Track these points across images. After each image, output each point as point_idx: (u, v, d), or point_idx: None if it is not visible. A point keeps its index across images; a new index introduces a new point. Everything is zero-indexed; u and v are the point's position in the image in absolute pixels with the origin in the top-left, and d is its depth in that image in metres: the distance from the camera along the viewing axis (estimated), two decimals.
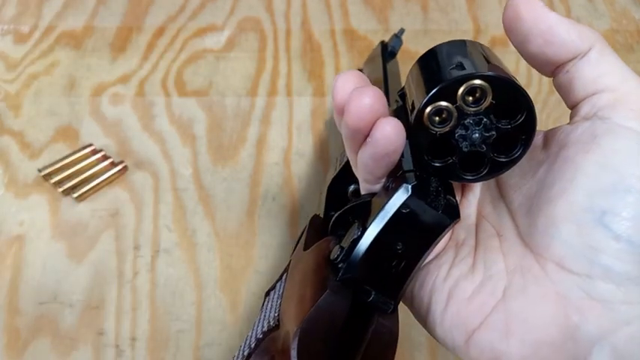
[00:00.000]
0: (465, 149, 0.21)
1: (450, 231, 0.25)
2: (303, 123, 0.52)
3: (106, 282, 0.42)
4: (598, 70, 0.20)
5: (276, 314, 0.24)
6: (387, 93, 0.39)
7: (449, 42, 0.23)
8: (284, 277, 0.27)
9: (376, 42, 0.57)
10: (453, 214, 0.22)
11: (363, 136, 0.22)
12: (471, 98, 0.21)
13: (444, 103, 0.21)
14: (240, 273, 0.43)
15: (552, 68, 0.22)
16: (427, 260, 0.25)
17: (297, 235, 0.30)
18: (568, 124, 0.22)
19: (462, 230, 0.25)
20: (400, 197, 0.21)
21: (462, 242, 0.24)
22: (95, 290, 0.42)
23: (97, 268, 0.43)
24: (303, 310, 0.20)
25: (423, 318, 0.24)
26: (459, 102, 0.20)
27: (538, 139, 0.23)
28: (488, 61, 0.21)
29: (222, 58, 0.56)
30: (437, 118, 0.21)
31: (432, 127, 0.21)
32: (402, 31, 0.48)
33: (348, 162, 0.34)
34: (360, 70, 0.49)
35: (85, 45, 0.57)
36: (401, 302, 0.25)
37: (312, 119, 0.52)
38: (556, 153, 0.21)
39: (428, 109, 0.21)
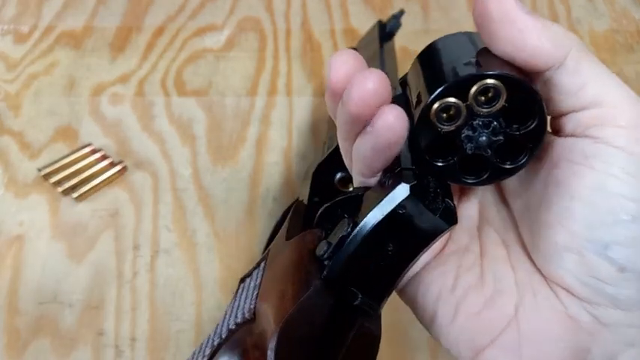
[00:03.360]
0: (469, 151, 0.20)
1: (449, 234, 0.24)
2: (303, 123, 0.52)
3: (106, 282, 0.42)
4: (578, 82, 0.19)
5: (252, 306, 0.23)
6: None
7: (464, 33, 0.22)
8: (262, 266, 0.26)
9: None
10: (450, 219, 0.21)
11: (363, 124, 0.20)
12: (483, 98, 0.19)
13: (454, 100, 0.19)
14: (240, 273, 0.43)
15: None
16: (429, 265, 0.24)
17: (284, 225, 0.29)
18: (558, 136, 0.21)
19: (463, 234, 0.24)
20: (398, 196, 0.20)
21: (465, 247, 0.23)
22: (95, 290, 0.42)
23: (96, 268, 0.43)
24: (283, 308, 0.19)
25: (427, 325, 0.23)
26: (470, 101, 0.19)
27: None
28: (504, 61, 0.20)
29: (221, 58, 0.56)
30: (444, 115, 0.20)
31: (438, 124, 0.20)
32: (401, 12, 0.45)
33: (337, 147, 0.32)
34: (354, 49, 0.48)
35: (85, 45, 0.57)
36: (402, 301, 0.25)
37: (312, 119, 0.52)
38: (549, 169, 0.20)
39: (436, 105, 0.19)
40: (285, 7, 0.62)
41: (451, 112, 0.20)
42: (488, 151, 0.20)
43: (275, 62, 0.56)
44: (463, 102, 0.19)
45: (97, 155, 0.48)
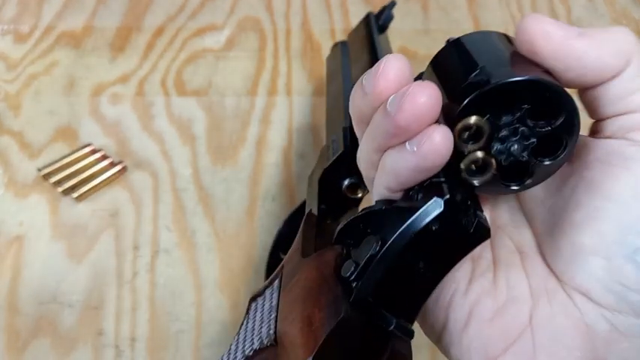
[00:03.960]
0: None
1: None
2: (303, 123, 0.52)
3: (106, 282, 0.42)
4: (630, 88, 0.18)
5: (271, 332, 0.21)
6: None
7: (467, 37, 0.20)
8: (275, 285, 0.24)
9: None
10: (484, 233, 0.20)
11: (405, 138, 0.19)
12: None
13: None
14: (240, 273, 0.43)
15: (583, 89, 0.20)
16: None
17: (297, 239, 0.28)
18: (593, 137, 0.20)
19: None
20: (431, 212, 0.18)
21: (478, 254, 0.23)
22: (95, 290, 0.42)
23: (96, 268, 0.43)
24: (313, 336, 0.18)
25: (437, 335, 0.22)
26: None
27: None
28: (513, 59, 0.18)
29: (221, 58, 0.56)
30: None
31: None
32: (392, 3, 0.44)
33: (344, 152, 0.31)
34: (344, 43, 0.46)
35: (85, 45, 0.57)
36: None
37: (312, 119, 0.52)
38: (580, 170, 0.19)
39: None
40: (285, 7, 0.61)
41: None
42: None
43: (275, 62, 0.56)
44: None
45: (97, 155, 0.48)
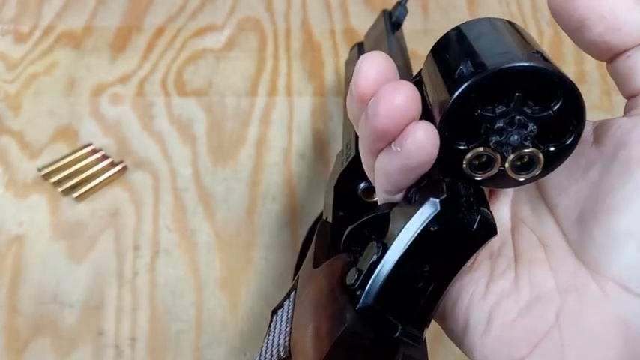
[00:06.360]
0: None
1: None
2: (303, 123, 0.52)
3: (106, 282, 0.42)
4: None
5: (286, 343, 0.21)
6: None
7: (456, 28, 0.20)
8: (292, 297, 0.24)
9: None
10: (488, 230, 0.19)
11: (389, 140, 0.18)
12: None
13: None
14: (240, 273, 0.43)
15: (613, 55, 0.18)
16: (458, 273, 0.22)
17: (299, 237, 0.28)
18: (626, 116, 0.19)
19: (495, 238, 0.21)
20: (427, 213, 0.18)
21: (497, 252, 0.22)
22: (95, 290, 0.42)
23: (96, 268, 0.43)
24: (319, 346, 0.18)
25: (460, 340, 0.21)
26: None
27: (587, 131, 0.19)
28: (496, 47, 0.18)
29: (222, 58, 0.56)
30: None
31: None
32: None
33: (356, 156, 0.31)
34: (362, 44, 0.46)
35: (85, 45, 0.57)
36: None
37: (312, 119, 0.52)
38: (612, 152, 0.18)
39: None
40: (285, 7, 0.62)
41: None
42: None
43: (275, 62, 0.56)
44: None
45: (98, 155, 0.48)
